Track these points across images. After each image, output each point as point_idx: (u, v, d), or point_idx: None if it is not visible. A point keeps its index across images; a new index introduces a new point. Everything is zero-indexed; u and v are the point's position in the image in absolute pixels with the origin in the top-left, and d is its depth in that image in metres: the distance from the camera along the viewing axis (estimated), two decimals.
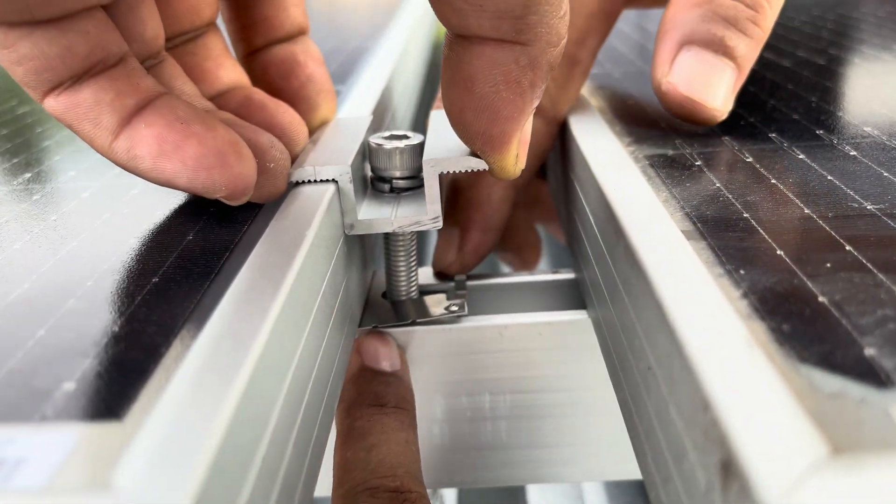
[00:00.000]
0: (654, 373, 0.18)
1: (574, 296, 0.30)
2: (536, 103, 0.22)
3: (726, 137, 0.28)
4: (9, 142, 0.35)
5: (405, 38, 0.54)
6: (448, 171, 0.24)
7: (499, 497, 0.43)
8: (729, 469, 0.13)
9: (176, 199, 0.25)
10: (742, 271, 0.18)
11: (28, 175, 0.29)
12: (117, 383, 0.16)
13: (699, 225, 0.21)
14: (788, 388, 0.14)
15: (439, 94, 0.28)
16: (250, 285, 0.18)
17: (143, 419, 0.14)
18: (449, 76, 0.22)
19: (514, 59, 0.20)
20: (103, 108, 0.21)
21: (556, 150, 0.33)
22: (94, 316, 0.18)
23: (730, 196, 0.23)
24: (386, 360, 0.27)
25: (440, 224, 0.25)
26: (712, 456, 0.13)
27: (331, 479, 0.24)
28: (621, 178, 0.24)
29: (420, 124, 0.70)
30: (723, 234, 0.20)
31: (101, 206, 0.25)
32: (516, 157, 0.23)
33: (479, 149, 0.23)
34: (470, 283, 0.31)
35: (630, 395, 0.21)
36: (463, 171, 0.24)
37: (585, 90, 0.36)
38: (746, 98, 0.33)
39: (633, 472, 0.31)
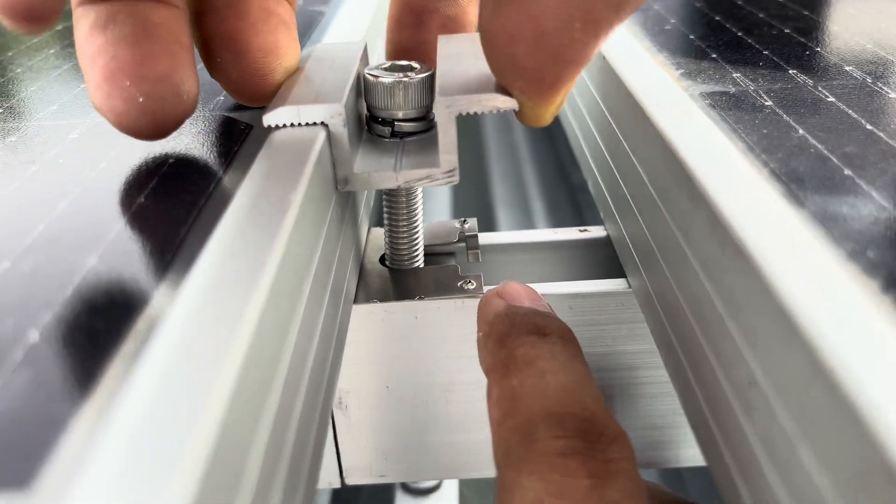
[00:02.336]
0: (761, 391, 0.13)
1: (606, 257, 0.26)
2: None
3: (793, 70, 0.24)
4: None
5: None
6: (467, 113, 0.19)
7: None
8: None
9: (126, 144, 0.20)
10: (870, 253, 0.14)
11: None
12: (29, 429, 0.11)
13: (793, 187, 0.16)
14: None
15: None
16: (222, 276, 0.13)
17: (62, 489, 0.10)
18: None
19: None
20: None
21: (586, 87, 0.28)
22: (5, 317, 0.13)
23: (821, 147, 0.18)
24: (537, 303, 0.21)
25: (457, 179, 0.20)
26: None
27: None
28: (685, 123, 0.19)
29: None
30: (828, 200, 0.16)
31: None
32: (558, 108, 0.20)
33: (518, 87, 0.19)
34: (482, 241, 0.27)
35: (707, 404, 0.16)
36: (486, 112, 0.19)
37: None
38: (804, 23, 0.28)
39: (662, 461, 0.27)
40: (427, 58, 0.24)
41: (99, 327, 0.13)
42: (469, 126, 0.77)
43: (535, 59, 0.18)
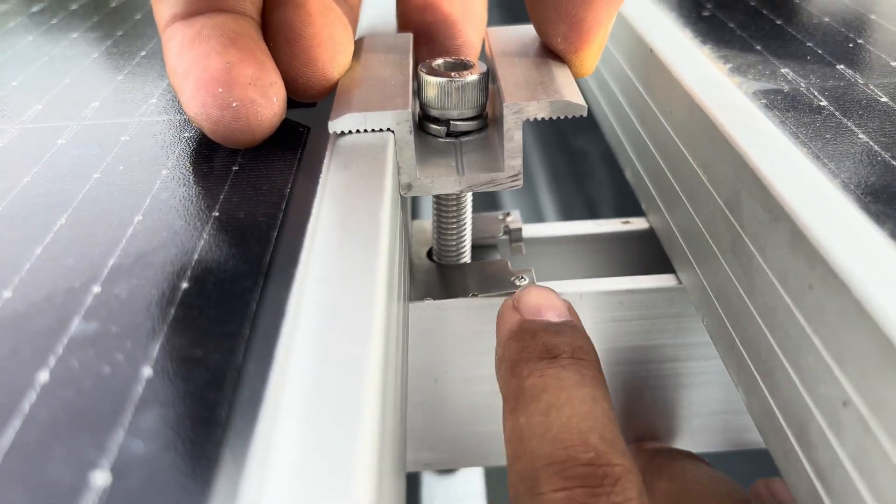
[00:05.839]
0: (856, 411, 0.14)
1: (651, 251, 0.26)
2: None
3: (842, 66, 0.24)
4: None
5: None
6: (535, 119, 0.19)
7: None
8: None
9: (183, 149, 0.20)
10: None
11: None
12: (175, 473, 0.11)
13: (867, 199, 0.17)
14: None
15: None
16: (338, 292, 0.14)
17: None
18: None
19: None
20: None
21: (626, 76, 0.28)
22: (115, 347, 0.13)
23: (888, 156, 0.19)
24: (550, 310, 0.21)
25: (520, 182, 0.20)
26: None
27: None
28: (748, 128, 0.20)
29: None
30: None
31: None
32: (599, 50, 0.22)
33: (561, 35, 0.21)
34: (526, 233, 0.27)
35: (783, 416, 0.17)
36: (554, 117, 0.19)
37: None
38: (850, 15, 0.28)
39: (712, 446, 0.27)
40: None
41: (215, 355, 0.13)
42: None
43: (573, 4, 0.20)
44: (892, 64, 0.24)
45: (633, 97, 0.27)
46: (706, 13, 0.29)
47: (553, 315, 0.21)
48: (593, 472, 0.17)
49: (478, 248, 0.27)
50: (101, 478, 0.11)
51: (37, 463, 0.11)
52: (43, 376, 0.13)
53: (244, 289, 0.15)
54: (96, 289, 0.15)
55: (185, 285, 0.15)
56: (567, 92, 0.19)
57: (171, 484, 0.11)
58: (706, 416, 0.26)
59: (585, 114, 0.19)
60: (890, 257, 0.15)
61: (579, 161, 0.58)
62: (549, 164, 0.61)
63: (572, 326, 0.21)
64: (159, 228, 0.17)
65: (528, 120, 0.19)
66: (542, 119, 0.19)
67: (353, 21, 0.23)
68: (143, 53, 0.28)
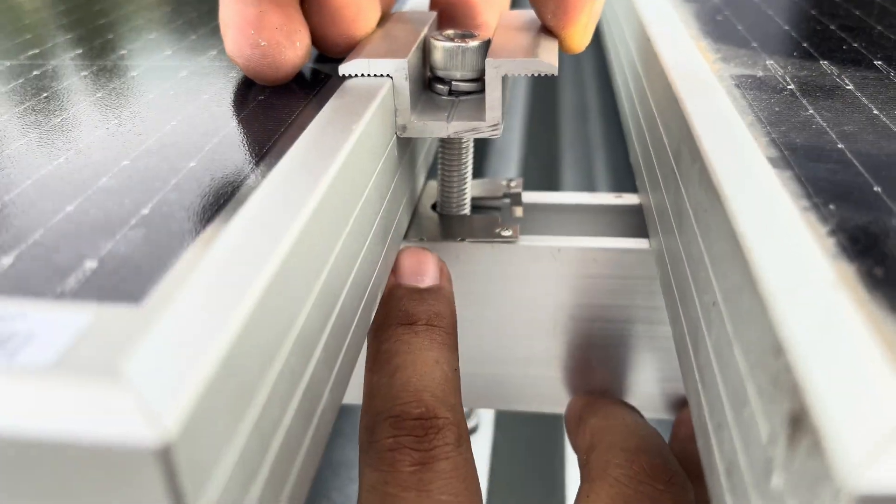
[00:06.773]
0: (718, 308, 0.16)
1: (636, 223, 0.28)
2: None
3: (825, 62, 0.26)
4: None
5: None
6: (513, 75, 0.22)
7: (535, 422, 0.42)
8: (799, 423, 0.11)
9: (225, 83, 0.24)
10: (832, 206, 0.16)
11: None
12: (140, 266, 0.15)
13: (786, 152, 0.19)
14: (878, 339, 0.12)
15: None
16: (287, 178, 0.17)
17: (161, 305, 0.13)
18: None
19: None
20: None
21: (632, 62, 0.31)
22: (126, 196, 0.17)
23: (824, 124, 0.21)
24: (420, 275, 0.24)
25: (499, 132, 0.23)
26: (780, 405, 0.12)
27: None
28: (703, 96, 0.22)
29: None
30: (812, 165, 0.18)
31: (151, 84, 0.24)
32: (585, 27, 0.25)
33: (551, 12, 0.24)
34: (526, 199, 0.30)
35: (688, 331, 0.19)
36: (529, 74, 0.22)
37: (669, 1, 0.33)
38: (851, 21, 0.30)
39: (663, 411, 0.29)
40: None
41: (193, 208, 0.17)
42: (545, 86, 0.80)
43: None
44: (876, 63, 0.25)
45: (637, 85, 0.30)
46: (720, 17, 0.31)
47: (422, 279, 0.24)
48: (421, 424, 0.20)
49: (481, 208, 0.30)
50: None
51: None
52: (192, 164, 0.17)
53: (245, 164, 0.19)
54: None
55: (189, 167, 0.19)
56: (543, 55, 0.22)
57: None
58: (668, 381, 0.28)
59: (556, 73, 0.22)
60: (771, 190, 0.17)
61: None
62: (605, 131, 0.66)
63: (436, 292, 0.24)
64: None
65: (506, 75, 0.22)
66: (520, 75, 0.22)
67: None
68: None
